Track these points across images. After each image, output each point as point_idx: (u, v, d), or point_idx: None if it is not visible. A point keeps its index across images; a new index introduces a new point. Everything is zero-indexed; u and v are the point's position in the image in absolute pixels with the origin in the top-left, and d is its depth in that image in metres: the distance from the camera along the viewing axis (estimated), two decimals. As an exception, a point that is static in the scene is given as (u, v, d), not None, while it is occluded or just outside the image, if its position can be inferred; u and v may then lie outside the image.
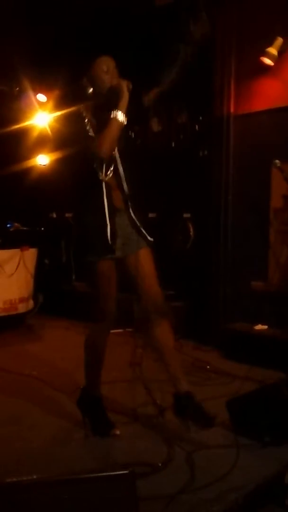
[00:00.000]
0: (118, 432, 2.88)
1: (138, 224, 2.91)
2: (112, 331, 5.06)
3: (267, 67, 4.62)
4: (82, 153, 2.80)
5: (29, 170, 6.55)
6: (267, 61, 4.61)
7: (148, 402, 3.31)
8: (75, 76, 5.46)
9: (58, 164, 6.21)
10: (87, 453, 2.73)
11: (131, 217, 2.90)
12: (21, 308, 5.47)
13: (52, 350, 4.79)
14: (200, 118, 5.37)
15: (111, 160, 2.81)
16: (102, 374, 3.23)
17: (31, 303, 5.63)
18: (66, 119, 3.03)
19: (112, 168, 2.83)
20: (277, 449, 2.69)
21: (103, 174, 2.79)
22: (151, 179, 5.16)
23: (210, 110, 4.99)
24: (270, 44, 4.54)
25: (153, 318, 2.89)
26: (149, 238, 2.93)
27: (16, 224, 6.24)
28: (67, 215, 6.34)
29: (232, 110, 4.83)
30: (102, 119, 2.77)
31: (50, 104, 6.21)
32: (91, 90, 2.84)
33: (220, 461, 2.58)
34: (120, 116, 2.73)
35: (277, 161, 4.17)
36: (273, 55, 4.57)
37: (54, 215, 6.67)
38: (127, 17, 5.26)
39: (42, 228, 6.42)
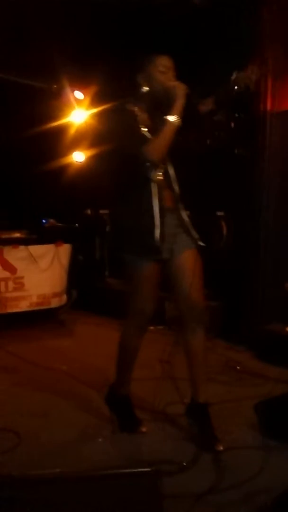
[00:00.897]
0: (144, 429, 2.87)
1: (188, 224, 2.83)
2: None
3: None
4: (127, 151, 2.71)
5: (65, 167, 6.62)
6: None
7: (177, 400, 3.28)
8: (112, 74, 5.55)
9: (94, 161, 6.24)
10: (113, 449, 2.73)
11: (181, 217, 2.82)
12: (54, 303, 5.50)
13: (83, 345, 4.80)
14: (236, 115, 5.28)
15: (162, 161, 2.74)
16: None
17: (64, 298, 5.65)
18: (114, 113, 2.90)
19: (163, 168, 2.75)
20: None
21: (154, 174, 2.71)
22: (186, 177, 5.12)
23: (246, 108, 4.91)
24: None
25: (189, 323, 2.81)
26: (198, 239, 2.83)
27: (51, 220, 6.31)
28: (101, 211, 6.37)
29: (269, 107, 4.75)
30: (155, 121, 2.71)
31: (87, 102, 6.25)
32: (146, 89, 2.74)
33: (248, 463, 2.54)
34: (176, 120, 2.63)
35: None
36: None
37: (89, 212, 6.70)
38: (167, 16, 5.23)
39: (77, 225, 6.46)
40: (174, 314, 4.79)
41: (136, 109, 2.70)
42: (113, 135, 2.90)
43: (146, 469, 1.78)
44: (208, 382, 2.90)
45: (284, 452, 2.64)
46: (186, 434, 2.85)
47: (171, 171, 2.79)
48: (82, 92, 6.23)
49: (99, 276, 6.43)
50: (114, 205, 2.98)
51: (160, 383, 3.25)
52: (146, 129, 2.68)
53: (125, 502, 1.76)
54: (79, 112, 6.30)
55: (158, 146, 2.63)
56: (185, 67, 2.91)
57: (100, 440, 2.83)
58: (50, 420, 3.07)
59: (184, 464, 2.49)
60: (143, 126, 2.69)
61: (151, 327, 5.00)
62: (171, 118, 2.62)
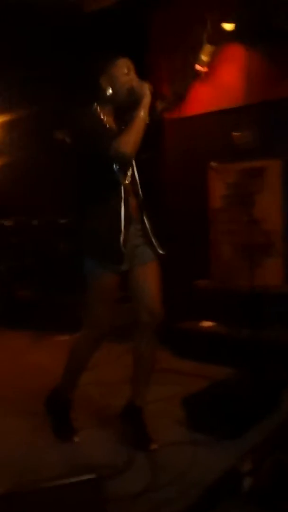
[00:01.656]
0: (77, 439, 2.88)
1: (150, 234, 2.81)
2: (61, 337, 5.11)
3: (200, 73, 4.75)
4: (96, 148, 2.62)
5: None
6: (199, 68, 4.74)
7: (103, 405, 3.34)
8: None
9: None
10: (51, 458, 2.72)
11: (145, 226, 2.80)
12: None
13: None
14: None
15: (129, 164, 2.71)
16: (55, 380, 3.23)
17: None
18: (79, 116, 2.79)
19: (130, 173, 2.74)
20: (232, 442, 2.78)
21: (122, 178, 2.69)
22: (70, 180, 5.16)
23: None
24: (201, 50, 4.67)
25: (145, 331, 2.82)
26: (159, 250, 2.82)
27: None
28: (5, 223, 6.27)
29: (166, 115, 4.92)
30: (119, 123, 2.71)
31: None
32: (110, 91, 2.70)
33: (179, 458, 2.64)
34: (144, 116, 2.61)
35: (213, 163, 4.31)
36: (204, 61, 4.71)
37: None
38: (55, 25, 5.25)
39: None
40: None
41: (100, 111, 2.71)
42: (80, 136, 2.80)
43: (90, 476, 1.82)
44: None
45: (211, 445, 2.78)
46: (117, 438, 2.90)
47: (137, 177, 2.77)
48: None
49: (6, 288, 6.31)
50: (80, 210, 2.91)
51: (87, 388, 3.29)
52: (111, 128, 2.68)
53: (72, 510, 1.80)
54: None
55: (128, 139, 2.57)
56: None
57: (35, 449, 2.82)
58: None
59: (121, 466, 2.55)
60: (109, 125, 2.69)
61: (67, 336, 5.03)
62: (139, 112, 2.60)
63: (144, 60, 4.87)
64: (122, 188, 2.70)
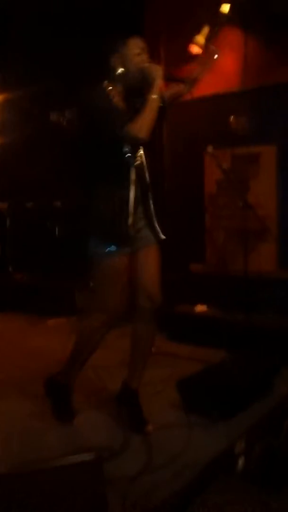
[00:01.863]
0: (76, 421, 2.89)
1: (152, 217, 2.79)
2: (53, 321, 5.14)
3: (196, 55, 4.73)
4: (109, 130, 2.58)
5: None
6: (195, 49, 4.71)
7: (99, 388, 3.39)
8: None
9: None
10: (48, 440, 2.77)
11: (149, 209, 2.77)
12: None
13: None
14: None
15: (138, 146, 2.65)
16: (48, 364, 3.27)
17: None
18: (91, 94, 2.71)
19: (139, 154, 2.69)
20: (226, 424, 2.84)
21: (134, 159, 2.64)
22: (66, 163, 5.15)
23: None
24: (198, 33, 4.65)
25: (144, 315, 2.83)
26: (161, 235, 2.80)
27: None
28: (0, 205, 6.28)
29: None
30: (129, 104, 2.67)
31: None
32: (121, 71, 2.65)
33: (174, 440, 2.70)
34: (157, 98, 2.57)
35: (209, 147, 4.31)
36: (201, 43, 4.68)
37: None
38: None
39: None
40: (85, 303, 4.89)
41: (111, 89, 2.65)
42: (91, 114, 2.73)
43: (90, 456, 1.87)
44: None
45: (205, 426, 2.84)
46: (114, 420, 2.95)
47: (145, 160, 2.72)
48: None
49: (2, 271, 6.34)
50: (88, 191, 2.81)
51: (82, 372, 3.33)
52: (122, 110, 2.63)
53: (71, 491, 1.84)
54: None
55: (142, 123, 2.53)
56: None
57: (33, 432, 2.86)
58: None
59: (117, 448, 2.61)
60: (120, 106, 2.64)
61: (63, 318, 5.09)
62: (152, 95, 2.56)
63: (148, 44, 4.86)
64: (133, 169, 2.67)
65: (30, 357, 4.11)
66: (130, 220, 2.64)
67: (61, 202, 5.93)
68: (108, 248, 2.66)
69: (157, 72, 2.61)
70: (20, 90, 5.74)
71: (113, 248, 2.66)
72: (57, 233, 5.95)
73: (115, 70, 2.67)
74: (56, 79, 5.35)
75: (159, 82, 2.60)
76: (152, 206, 2.78)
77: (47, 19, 5.22)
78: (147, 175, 2.75)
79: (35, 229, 6.13)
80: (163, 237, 2.81)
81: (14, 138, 6.03)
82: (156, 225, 2.80)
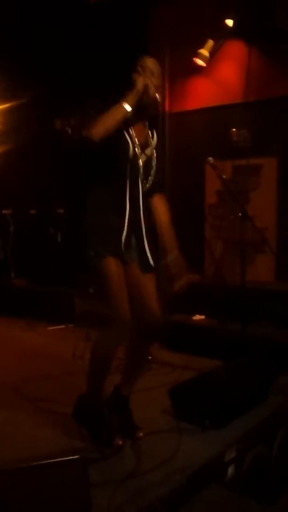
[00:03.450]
0: (120, 442, 2.69)
1: (146, 245, 2.74)
2: (53, 327, 5.17)
3: (200, 67, 4.81)
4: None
5: None
6: (200, 62, 4.79)
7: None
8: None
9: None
10: (37, 442, 2.78)
11: (141, 236, 2.72)
12: None
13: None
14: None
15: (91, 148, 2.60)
16: (46, 367, 3.27)
17: None
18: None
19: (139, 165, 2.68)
20: (217, 432, 2.84)
21: (128, 168, 2.64)
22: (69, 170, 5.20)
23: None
24: (202, 46, 4.73)
25: (145, 328, 2.75)
26: (151, 262, 2.74)
27: None
28: (3, 211, 6.33)
29: (167, 108, 4.98)
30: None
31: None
32: (140, 87, 2.58)
33: (164, 446, 2.70)
34: (126, 106, 2.54)
35: (210, 158, 4.33)
36: (205, 56, 4.76)
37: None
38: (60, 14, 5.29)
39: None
40: (83, 309, 4.91)
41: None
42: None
43: (74, 457, 1.88)
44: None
45: (196, 434, 2.84)
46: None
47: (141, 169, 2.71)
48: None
49: (4, 276, 6.38)
50: (83, 199, 2.77)
51: (75, 377, 3.34)
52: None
53: (55, 491, 1.86)
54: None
55: (98, 123, 2.51)
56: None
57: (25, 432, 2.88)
58: None
59: (107, 451, 2.62)
60: None
61: (62, 325, 5.11)
62: (123, 103, 2.55)
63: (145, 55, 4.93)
64: (126, 180, 2.66)
65: (27, 361, 4.13)
66: (126, 223, 2.63)
67: (64, 209, 5.98)
68: (104, 253, 2.61)
69: (139, 82, 2.58)
70: (24, 97, 5.80)
71: (108, 252, 2.61)
72: (59, 239, 5.98)
73: (135, 86, 2.59)
74: (61, 86, 5.40)
75: (136, 93, 2.56)
76: (142, 216, 2.73)
77: (52, 29, 5.29)
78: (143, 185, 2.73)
79: (38, 235, 6.17)
80: (152, 265, 2.75)
81: (18, 145, 6.09)
82: (148, 253, 2.74)
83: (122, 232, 2.63)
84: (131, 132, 2.67)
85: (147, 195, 2.79)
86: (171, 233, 2.85)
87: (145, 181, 2.74)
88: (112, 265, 2.60)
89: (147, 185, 2.76)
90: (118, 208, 2.66)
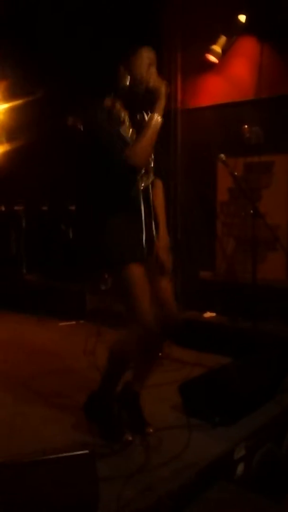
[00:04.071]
0: (130, 437, 2.70)
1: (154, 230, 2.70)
2: (64, 323, 5.19)
3: (212, 64, 4.79)
4: (110, 156, 2.50)
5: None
6: (212, 58, 4.78)
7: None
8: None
9: (11, 156, 6.23)
10: (46, 436, 2.80)
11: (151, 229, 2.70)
12: None
13: (3, 342, 4.80)
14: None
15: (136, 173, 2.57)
16: (57, 363, 3.28)
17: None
18: (93, 112, 2.60)
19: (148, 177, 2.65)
20: (227, 429, 2.84)
21: (139, 182, 2.60)
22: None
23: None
24: (215, 42, 4.71)
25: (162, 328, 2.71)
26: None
27: None
28: (16, 208, 6.37)
29: (179, 105, 4.98)
30: (133, 116, 2.58)
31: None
32: (128, 81, 2.53)
33: (174, 442, 2.71)
34: (159, 119, 2.48)
35: (222, 155, 4.31)
36: (217, 52, 4.75)
37: (3, 208, 6.65)
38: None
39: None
40: (95, 306, 4.93)
41: (112, 104, 2.57)
42: (93, 136, 2.62)
43: (83, 452, 1.89)
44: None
45: (205, 430, 2.84)
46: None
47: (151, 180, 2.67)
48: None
49: (16, 272, 6.41)
50: (96, 213, 2.74)
51: (86, 372, 3.36)
52: (122, 127, 2.54)
53: (63, 485, 1.87)
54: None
55: (141, 150, 2.48)
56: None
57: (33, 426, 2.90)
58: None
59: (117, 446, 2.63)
60: (119, 122, 2.54)
61: (73, 322, 5.13)
62: (154, 117, 2.47)
63: (157, 51, 4.92)
64: (140, 193, 2.61)
65: (37, 356, 4.16)
66: (143, 230, 2.61)
67: (76, 205, 6.00)
68: (127, 259, 2.57)
69: (163, 90, 2.50)
70: (36, 94, 5.82)
71: (130, 258, 2.57)
72: (71, 236, 6.00)
73: (122, 80, 2.55)
74: (73, 82, 5.41)
75: (162, 102, 2.49)
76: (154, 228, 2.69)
77: (65, 26, 5.29)
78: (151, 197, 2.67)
79: (50, 232, 6.19)
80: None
81: (30, 142, 6.11)
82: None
83: (141, 235, 2.61)
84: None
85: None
86: (164, 223, 2.80)
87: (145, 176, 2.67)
88: (135, 270, 2.56)
89: (149, 180, 2.69)
90: (133, 212, 2.62)
